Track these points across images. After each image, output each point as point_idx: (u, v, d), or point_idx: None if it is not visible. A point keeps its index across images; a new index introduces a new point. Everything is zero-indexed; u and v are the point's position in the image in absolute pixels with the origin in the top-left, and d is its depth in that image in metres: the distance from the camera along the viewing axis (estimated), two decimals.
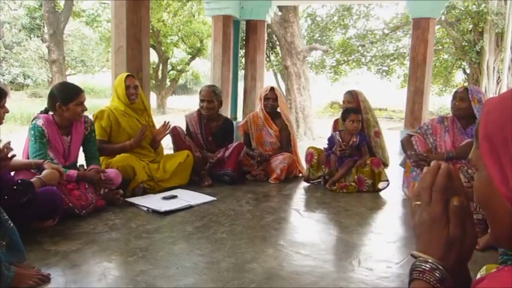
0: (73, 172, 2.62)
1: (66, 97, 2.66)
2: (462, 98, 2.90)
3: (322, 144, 3.86)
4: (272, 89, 3.95)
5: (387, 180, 3.47)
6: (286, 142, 3.98)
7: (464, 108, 2.90)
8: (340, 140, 3.55)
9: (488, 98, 0.60)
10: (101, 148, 3.13)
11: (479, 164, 0.59)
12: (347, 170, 3.49)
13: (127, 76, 3.28)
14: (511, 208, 0.51)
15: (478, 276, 1.12)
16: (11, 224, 1.75)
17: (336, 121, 3.86)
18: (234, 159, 3.62)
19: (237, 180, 3.61)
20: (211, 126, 3.81)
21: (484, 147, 0.54)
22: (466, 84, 11.92)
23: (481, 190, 0.59)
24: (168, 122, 3.50)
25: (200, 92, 3.80)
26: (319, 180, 3.68)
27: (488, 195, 0.57)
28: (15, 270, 1.62)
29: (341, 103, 3.89)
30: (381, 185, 3.48)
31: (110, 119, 3.21)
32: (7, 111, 2.25)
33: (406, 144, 3.14)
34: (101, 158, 3.17)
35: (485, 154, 0.54)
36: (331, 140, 3.64)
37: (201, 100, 3.73)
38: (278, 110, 4.02)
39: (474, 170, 0.62)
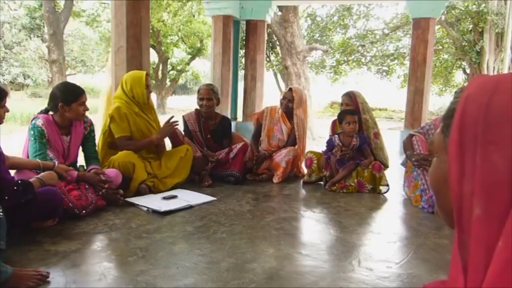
0: (72, 173, 2.62)
1: (68, 97, 2.66)
2: None
3: (323, 144, 3.85)
4: (290, 89, 4.00)
5: (387, 185, 3.46)
6: (292, 140, 3.98)
7: None
8: (340, 143, 3.53)
9: (473, 77, 0.53)
10: (127, 144, 3.15)
11: (440, 151, 0.57)
12: (348, 172, 3.48)
13: (146, 75, 3.26)
14: (453, 206, 0.49)
15: None
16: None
17: (334, 122, 3.82)
18: (240, 160, 3.64)
19: (242, 181, 3.62)
20: (209, 124, 3.84)
21: (454, 137, 0.49)
22: (466, 84, 11.91)
23: (436, 179, 0.58)
24: (173, 117, 3.37)
25: (198, 91, 3.84)
26: (320, 182, 3.68)
27: (441, 184, 0.56)
28: (12, 270, 1.62)
29: (340, 105, 3.87)
30: (381, 189, 3.46)
31: (127, 117, 3.18)
32: (8, 111, 2.26)
33: (407, 144, 3.15)
34: (102, 157, 3.17)
35: (452, 145, 0.49)
36: (330, 143, 3.61)
37: (200, 99, 3.76)
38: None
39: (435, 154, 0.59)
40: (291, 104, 3.92)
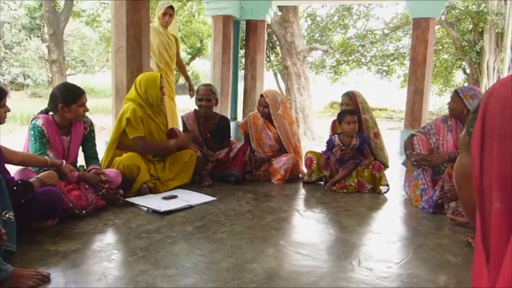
0: (73, 173, 2.62)
1: (68, 98, 2.66)
2: (453, 98, 2.99)
3: (323, 144, 3.85)
4: (261, 96, 3.96)
5: (387, 185, 3.46)
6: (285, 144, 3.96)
7: (455, 108, 2.95)
8: (340, 143, 3.53)
9: (501, 79, 0.55)
10: (144, 144, 3.16)
11: (464, 146, 0.58)
12: (348, 172, 3.47)
13: (160, 77, 3.26)
14: (476, 200, 0.50)
15: None
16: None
17: (334, 122, 3.80)
18: (240, 160, 3.64)
19: (242, 181, 3.62)
20: (208, 124, 3.84)
21: (476, 130, 0.50)
22: (466, 84, 11.94)
23: (457, 175, 0.59)
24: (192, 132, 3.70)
25: (197, 92, 3.82)
26: (320, 182, 3.67)
27: (462, 180, 0.57)
28: (13, 269, 1.62)
29: (340, 105, 3.86)
30: (381, 189, 3.46)
31: (142, 120, 3.18)
32: (8, 110, 2.26)
33: (407, 144, 3.16)
34: (104, 156, 3.17)
35: (475, 138, 0.50)
36: (330, 143, 3.60)
37: (199, 99, 3.75)
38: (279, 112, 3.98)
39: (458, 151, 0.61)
40: (267, 109, 3.89)
